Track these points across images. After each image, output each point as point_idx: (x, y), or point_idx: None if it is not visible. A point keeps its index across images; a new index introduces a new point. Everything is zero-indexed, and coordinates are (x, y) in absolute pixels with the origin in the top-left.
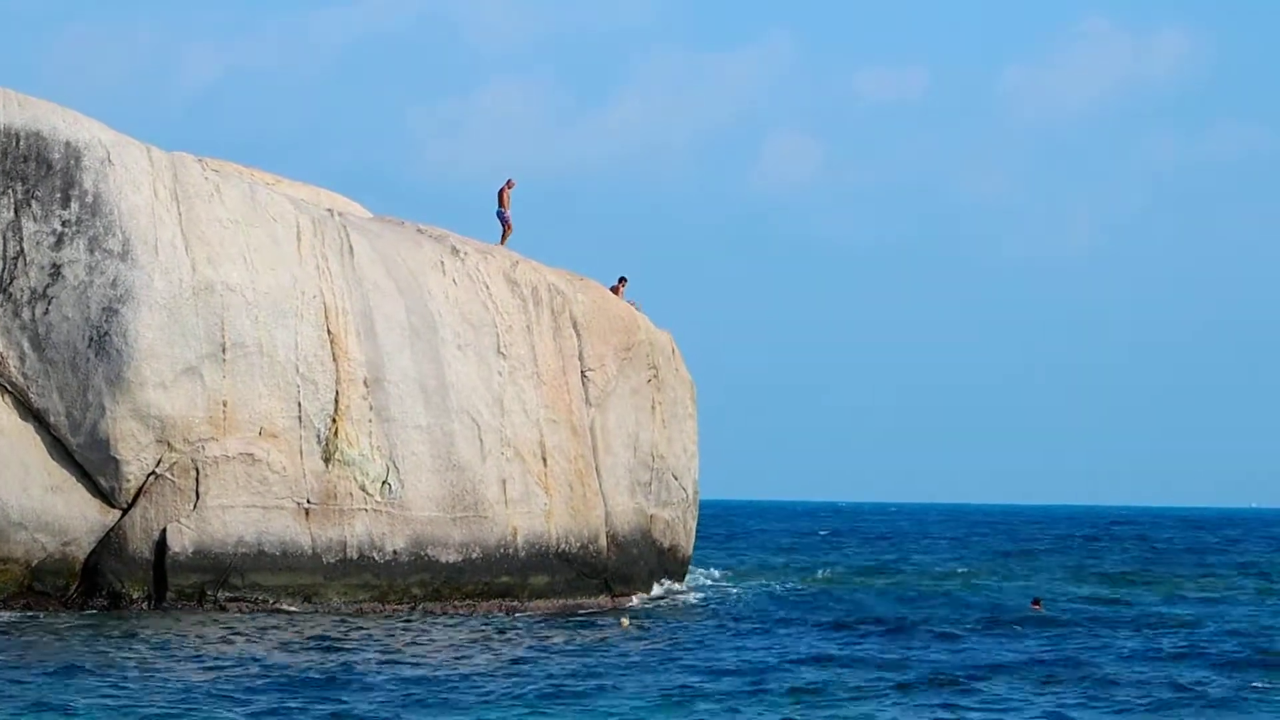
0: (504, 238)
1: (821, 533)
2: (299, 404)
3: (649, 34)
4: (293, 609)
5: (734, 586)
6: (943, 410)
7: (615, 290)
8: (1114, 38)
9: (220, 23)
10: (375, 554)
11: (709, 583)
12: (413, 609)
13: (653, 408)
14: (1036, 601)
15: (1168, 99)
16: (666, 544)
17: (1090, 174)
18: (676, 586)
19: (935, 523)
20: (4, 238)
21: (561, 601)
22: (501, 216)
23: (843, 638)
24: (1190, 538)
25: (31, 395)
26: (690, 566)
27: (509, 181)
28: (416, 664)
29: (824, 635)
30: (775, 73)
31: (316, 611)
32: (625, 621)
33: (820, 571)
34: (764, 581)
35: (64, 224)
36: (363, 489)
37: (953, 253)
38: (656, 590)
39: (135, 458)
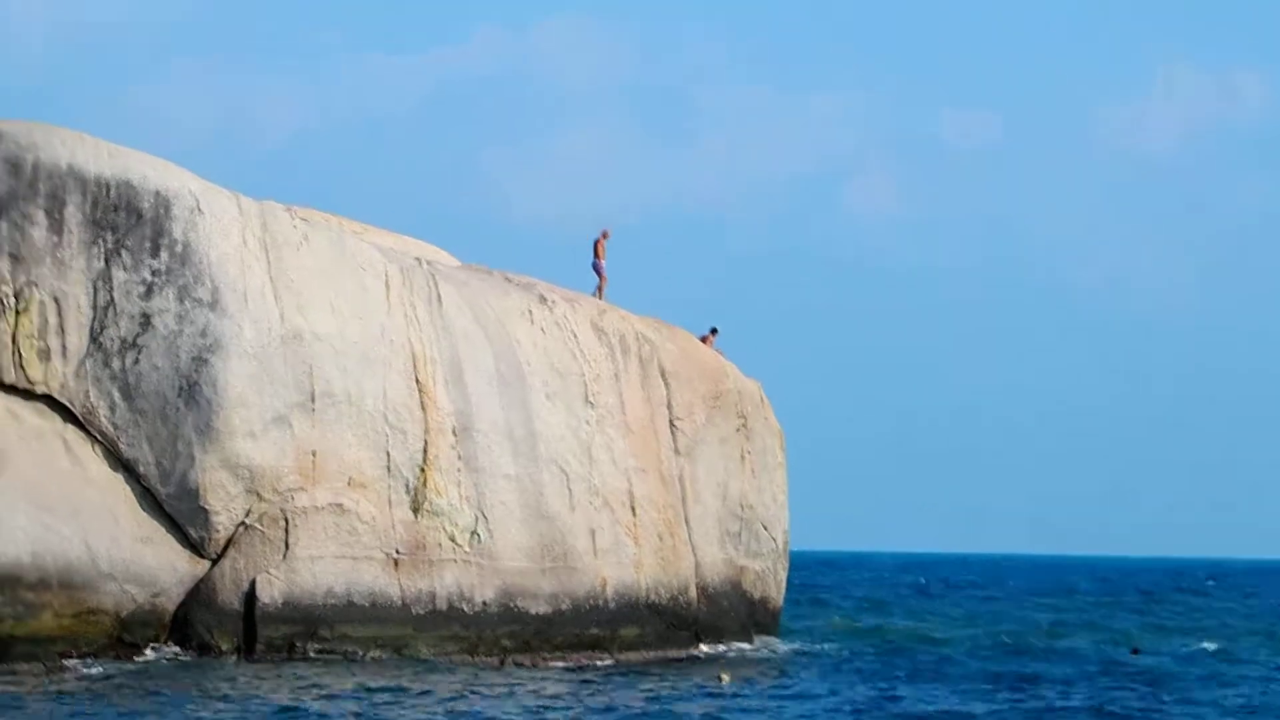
0: (600, 290)
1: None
2: (387, 453)
3: (728, 76)
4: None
5: (824, 643)
6: (1029, 454)
7: (705, 340)
8: (1195, 80)
9: (306, 73)
10: (464, 605)
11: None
12: (502, 663)
13: (742, 457)
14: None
15: (1251, 142)
16: (757, 595)
17: (1169, 213)
18: (773, 641)
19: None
20: (94, 287)
21: (651, 653)
22: (596, 268)
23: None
24: None
25: (121, 445)
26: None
27: (604, 232)
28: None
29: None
30: (857, 115)
31: (408, 661)
32: (725, 677)
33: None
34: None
35: (154, 273)
36: (452, 539)
37: (1031, 287)
38: (752, 645)
39: (224, 508)
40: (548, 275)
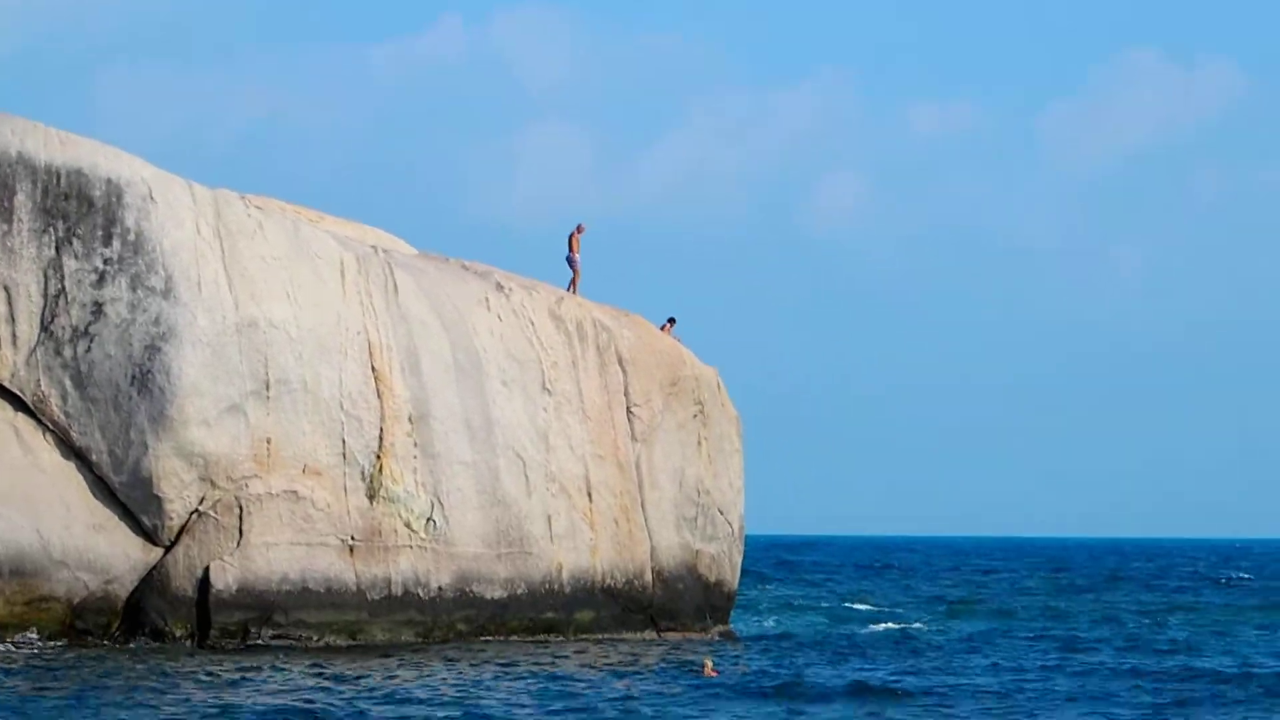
0: (574, 284)
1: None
2: (343, 441)
3: (699, 72)
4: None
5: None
6: (986, 442)
7: (664, 330)
8: (1161, 71)
9: (269, 61)
10: (420, 591)
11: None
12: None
13: (699, 443)
14: None
15: (1216, 133)
16: (712, 579)
17: (1137, 210)
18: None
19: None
20: (45, 275)
21: (606, 636)
22: (571, 262)
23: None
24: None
25: (73, 434)
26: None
27: (579, 227)
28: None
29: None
30: (826, 110)
31: (364, 648)
32: (709, 663)
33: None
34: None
35: (106, 261)
36: (407, 526)
37: (1000, 289)
38: (712, 631)
39: (178, 496)
40: (510, 268)
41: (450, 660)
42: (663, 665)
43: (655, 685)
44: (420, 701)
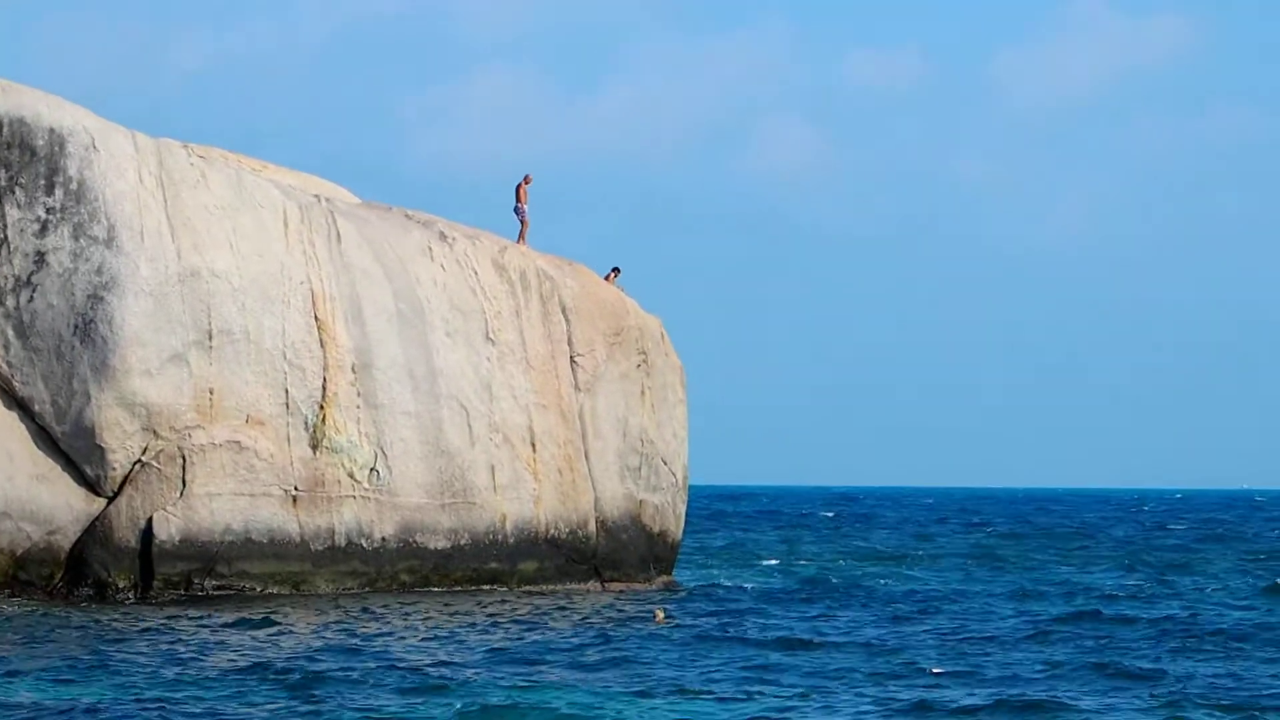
0: (522, 233)
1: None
2: (286, 391)
3: (640, 20)
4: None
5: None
6: (927, 394)
7: (608, 279)
8: (1109, 21)
9: (209, 8)
10: (363, 541)
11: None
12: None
13: (642, 393)
14: None
15: (1163, 82)
16: (656, 529)
17: (1083, 157)
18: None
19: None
20: None
21: (551, 587)
22: (519, 213)
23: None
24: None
25: (16, 383)
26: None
27: (526, 177)
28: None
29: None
30: (767, 57)
31: (306, 598)
32: (660, 614)
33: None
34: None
35: (48, 211)
36: (351, 476)
37: (943, 235)
38: (656, 582)
39: (121, 446)
40: (454, 217)
41: (398, 610)
42: (613, 615)
43: (610, 634)
44: (369, 653)
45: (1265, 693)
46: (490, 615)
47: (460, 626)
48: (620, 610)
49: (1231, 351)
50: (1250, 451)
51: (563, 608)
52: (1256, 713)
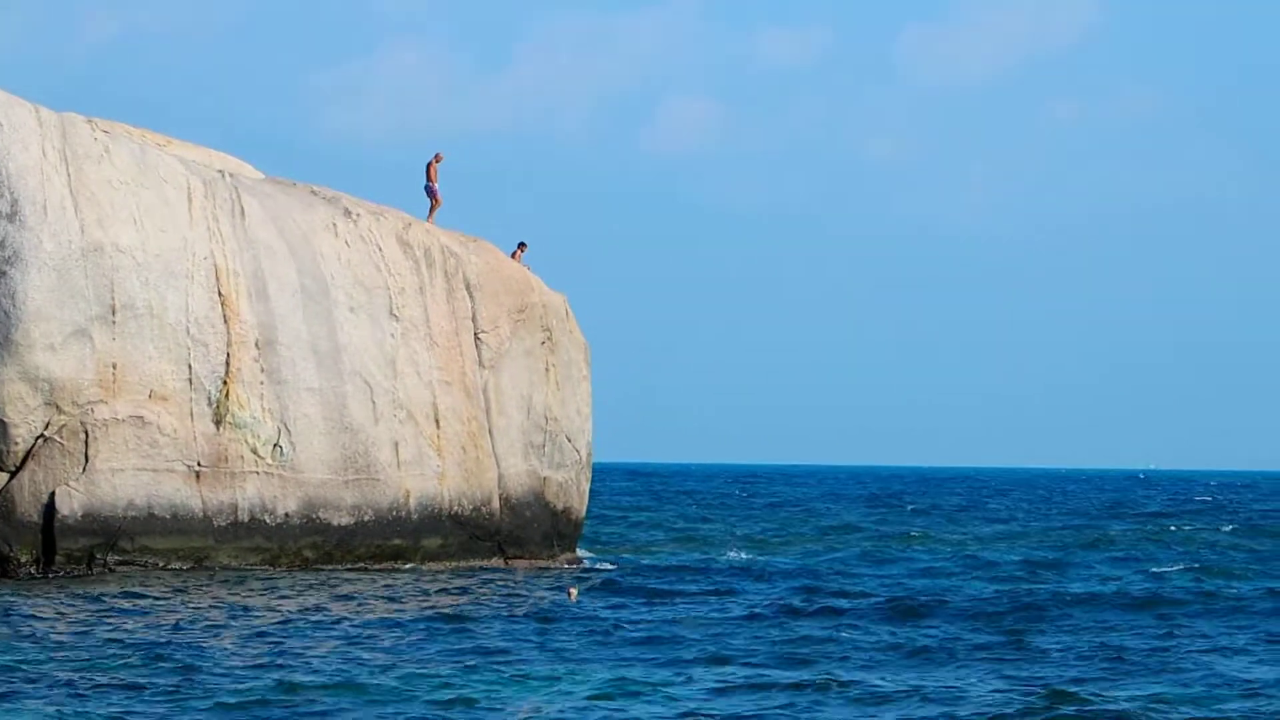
0: (432, 211)
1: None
2: (189, 366)
3: None
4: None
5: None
6: (833, 373)
7: (514, 256)
8: (1018, 0)
9: None
10: (266, 517)
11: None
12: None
13: (546, 370)
14: None
15: (1070, 63)
16: (560, 506)
17: (991, 137)
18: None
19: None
20: None
21: (454, 564)
22: (429, 190)
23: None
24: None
25: None
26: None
27: (437, 155)
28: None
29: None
30: (676, 34)
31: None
32: (573, 591)
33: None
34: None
35: None
36: (254, 452)
37: (850, 214)
38: (560, 559)
39: (23, 420)
40: (360, 193)
41: (305, 588)
42: (526, 592)
43: (528, 612)
44: (273, 635)
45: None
46: (404, 592)
47: (347, 604)
48: (529, 589)
49: (1135, 331)
50: (1149, 432)
51: (469, 586)
52: None
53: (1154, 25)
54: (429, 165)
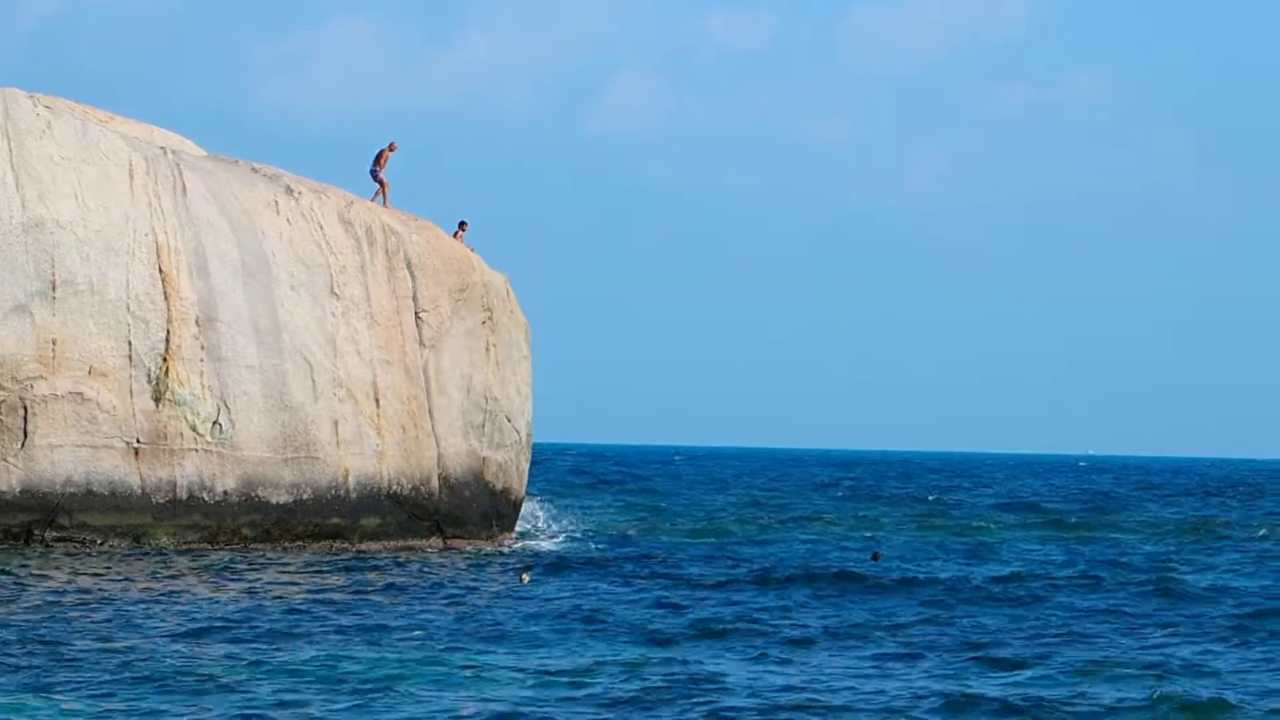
0: (379, 196)
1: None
2: (129, 343)
3: None
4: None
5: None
6: (780, 354)
7: (456, 236)
8: None
9: None
10: (205, 494)
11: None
12: (244, 549)
13: (487, 349)
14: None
15: (1017, 47)
16: (499, 486)
17: (938, 121)
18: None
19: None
20: None
21: (392, 543)
22: (374, 175)
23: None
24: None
25: None
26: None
27: (391, 145)
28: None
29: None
30: (625, 13)
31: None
32: (526, 576)
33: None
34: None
35: None
36: (193, 429)
37: (796, 197)
38: (499, 539)
39: None
40: (302, 171)
41: (246, 568)
42: (481, 576)
43: (483, 597)
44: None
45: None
46: (350, 573)
47: (265, 583)
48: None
49: (1080, 318)
50: (1089, 418)
51: (410, 564)
52: None
53: (1103, 10)
54: (381, 152)
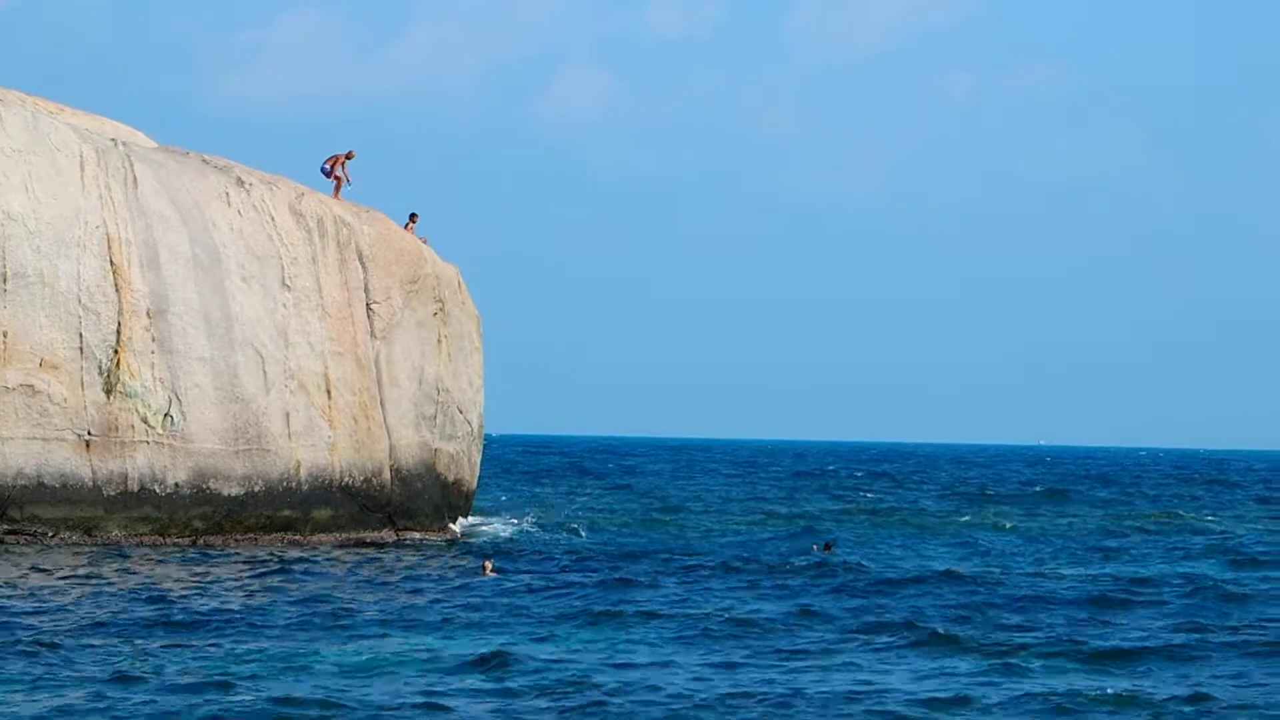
0: (337, 190)
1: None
2: (80, 335)
3: None
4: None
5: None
6: (718, 348)
7: (407, 227)
8: None
9: None
10: (156, 487)
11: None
12: (194, 543)
13: (439, 341)
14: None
15: (964, 38)
16: (451, 478)
17: (883, 112)
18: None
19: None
20: None
21: (344, 535)
22: (326, 173)
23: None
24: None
25: None
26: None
27: (350, 153)
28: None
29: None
30: (569, 4)
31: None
32: (488, 565)
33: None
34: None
35: None
36: (144, 421)
37: (741, 187)
38: (458, 528)
39: None
40: (253, 163)
41: (205, 561)
42: (442, 568)
43: (450, 588)
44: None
45: None
46: (306, 564)
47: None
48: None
49: (1030, 308)
50: (1042, 408)
51: (369, 559)
52: None
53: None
54: (337, 156)
